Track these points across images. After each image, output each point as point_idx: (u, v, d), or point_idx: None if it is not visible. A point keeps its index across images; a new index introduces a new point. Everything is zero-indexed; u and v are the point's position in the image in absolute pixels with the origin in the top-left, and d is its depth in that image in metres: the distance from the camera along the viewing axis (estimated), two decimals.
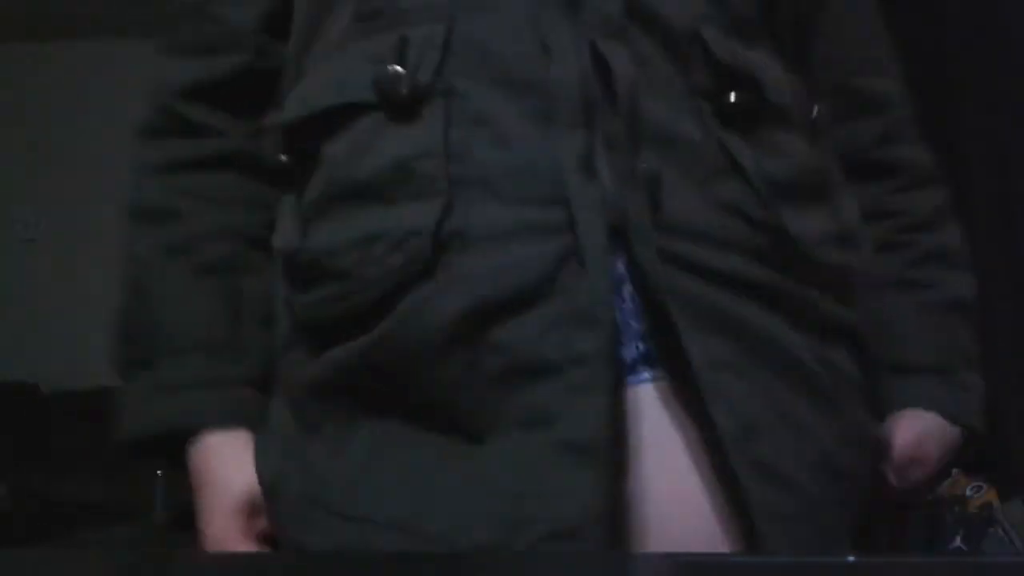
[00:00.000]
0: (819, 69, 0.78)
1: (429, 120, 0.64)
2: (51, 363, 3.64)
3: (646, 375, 0.64)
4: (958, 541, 1.86)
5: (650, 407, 0.64)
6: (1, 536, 2.65)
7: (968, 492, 1.97)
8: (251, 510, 0.73)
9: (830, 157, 0.75)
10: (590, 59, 0.64)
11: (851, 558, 0.76)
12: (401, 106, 0.64)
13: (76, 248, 3.83)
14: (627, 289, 0.64)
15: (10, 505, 2.93)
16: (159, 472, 2.96)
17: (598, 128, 0.64)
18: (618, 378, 0.63)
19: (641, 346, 0.65)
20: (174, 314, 0.77)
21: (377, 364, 0.64)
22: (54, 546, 2.69)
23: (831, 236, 0.70)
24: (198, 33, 0.82)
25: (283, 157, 0.72)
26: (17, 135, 3.89)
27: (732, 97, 0.66)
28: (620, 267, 0.64)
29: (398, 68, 0.64)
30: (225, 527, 0.73)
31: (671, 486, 0.64)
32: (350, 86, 0.66)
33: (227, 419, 0.74)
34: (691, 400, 0.64)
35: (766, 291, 0.66)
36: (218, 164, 0.81)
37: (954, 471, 2.10)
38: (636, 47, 0.65)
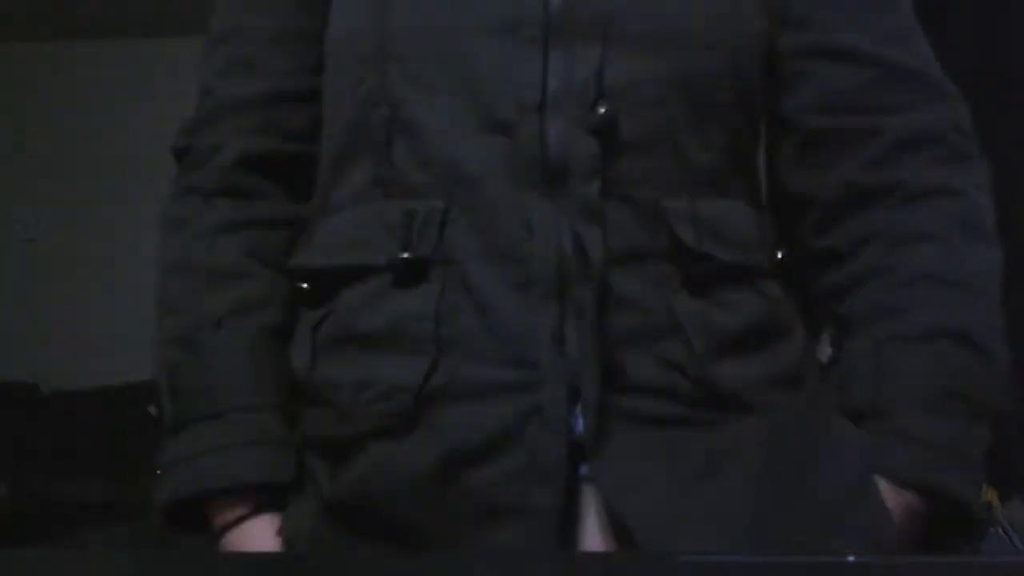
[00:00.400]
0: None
1: (425, 287, 0.75)
2: (51, 363, 3.64)
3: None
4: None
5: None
6: (1, 536, 2.65)
7: None
8: None
9: (789, 296, 0.83)
10: (569, 237, 0.73)
11: (851, 558, 0.75)
12: (405, 272, 0.75)
13: (76, 248, 3.84)
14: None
15: (10, 505, 2.93)
16: (159, 472, 2.95)
17: (571, 297, 0.73)
18: (565, 524, 0.74)
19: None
20: (225, 373, 0.82)
21: (363, 499, 0.74)
22: (54, 546, 2.68)
23: (771, 380, 0.78)
24: (260, 118, 0.89)
25: (305, 286, 0.83)
26: (17, 135, 3.89)
27: (692, 266, 0.76)
28: (579, 421, 0.73)
29: (397, 252, 0.76)
30: None
31: None
32: (364, 251, 0.78)
33: (268, 477, 0.80)
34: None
35: (700, 429, 0.75)
36: (270, 227, 0.87)
37: None
38: (610, 221, 0.74)
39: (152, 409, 3.28)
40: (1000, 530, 1.87)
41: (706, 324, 0.76)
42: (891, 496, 0.79)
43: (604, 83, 0.76)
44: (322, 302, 0.81)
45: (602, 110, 0.74)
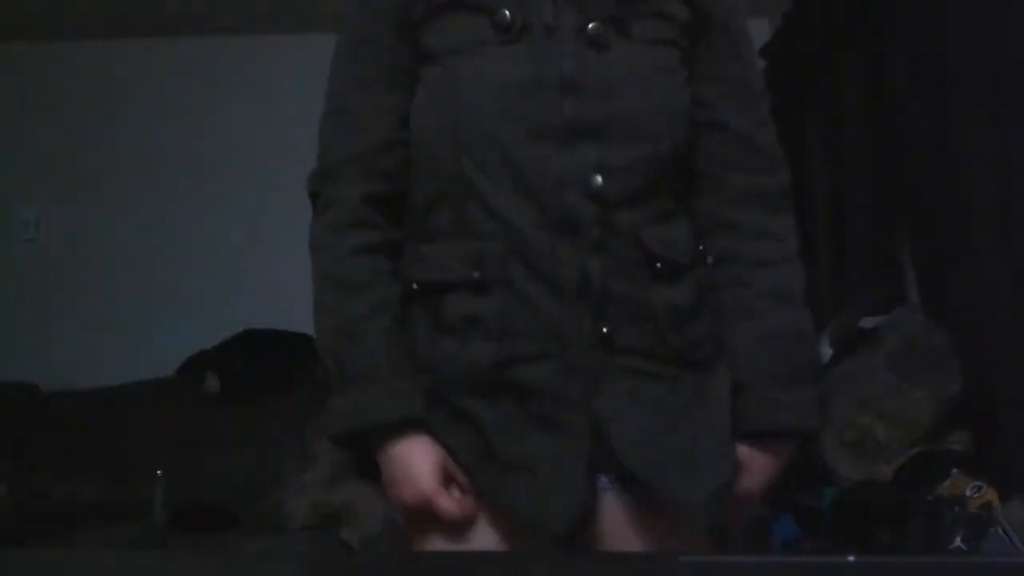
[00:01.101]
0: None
1: (491, 299, 1.22)
2: (51, 363, 3.64)
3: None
4: (958, 541, 1.87)
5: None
6: (1, 536, 2.65)
7: (968, 492, 1.97)
8: (440, 473, 1.22)
9: (705, 278, 1.31)
10: (582, 266, 1.21)
11: (851, 558, 0.76)
12: (478, 289, 1.23)
13: (76, 248, 3.84)
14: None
15: (10, 505, 2.93)
16: (159, 472, 2.96)
17: (585, 300, 1.21)
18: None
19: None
20: (375, 352, 1.25)
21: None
22: (54, 546, 2.69)
23: (709, 337, 1.29)
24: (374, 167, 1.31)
25: (415, 286, 1.28)
26: (17, 135, 3.89)
27: (658, 267, 1.25)
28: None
29: (475, 274, 1.22)
30: (423, 488, 1.21)
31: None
32: (450, 272, 1.24)
33: (415, 414, 1.23)
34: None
35: (669, 371, 1.25)
36: (384, 247, 1.29)
37: (954, 471, 2.10)
38: (608, 249, 1.22)
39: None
40: (1000, 530, 1.87)
41: (669, 305, 1.25)
42: (746, 452, 1.28)
43: (599, 166, 1.22)
44: (431, 301, 1.26)
45: (599, 182, 1.22)
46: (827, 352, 2.66)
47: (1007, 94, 2.14)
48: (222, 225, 3.81)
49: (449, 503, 1.20)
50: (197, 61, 3.86)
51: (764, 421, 1.27)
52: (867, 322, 2.62)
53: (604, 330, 1.21)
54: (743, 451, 1.27)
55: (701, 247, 1.31)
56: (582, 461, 1.19)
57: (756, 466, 1.28)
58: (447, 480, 1.22)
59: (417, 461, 1.22)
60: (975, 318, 2.29)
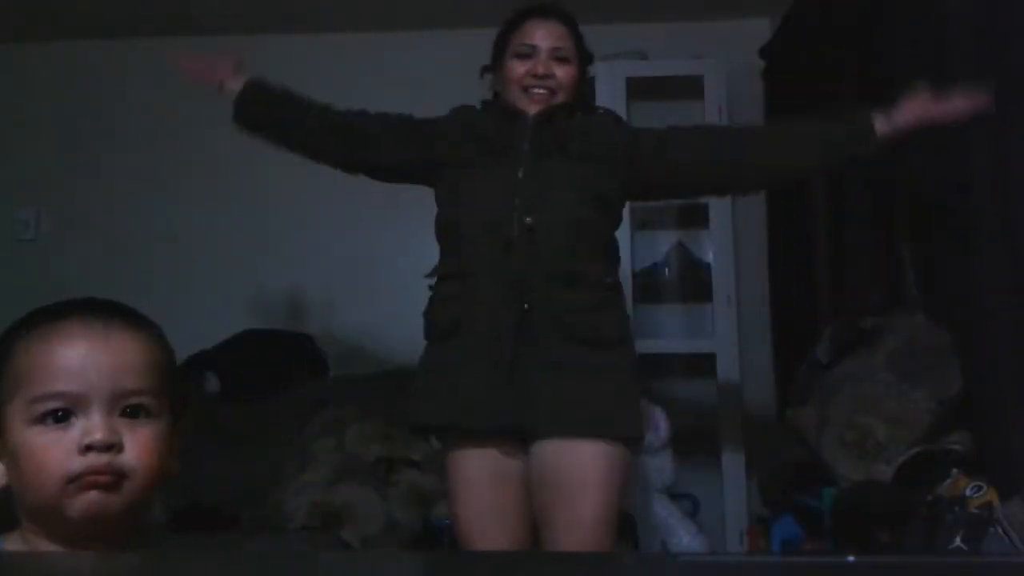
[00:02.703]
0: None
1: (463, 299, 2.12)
2: None
3: None
4: (958, 541, 1.87)
5: None
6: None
7: (968, 492, 1.97)
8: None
9: (616, 295, 2.16)
10: (521, 288, 2.07)
11: (851, 558, 0.76)
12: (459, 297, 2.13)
13: (76, 248, 3.84)
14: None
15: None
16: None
17: (522, 307, 2.06)
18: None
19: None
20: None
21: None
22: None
23: (616, 328, 2.12)
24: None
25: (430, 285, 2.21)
26: (17, 135, 3.89)
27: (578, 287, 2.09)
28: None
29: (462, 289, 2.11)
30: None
31: None
32: (447, 286, 2.17)
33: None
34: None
35: (584, 348, 2.06)
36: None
37: (954, 471, 2.10)
38: (541, 277, 2.07)
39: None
40: (1000, 530, 1.87)
41: (579, 307, 2.06)
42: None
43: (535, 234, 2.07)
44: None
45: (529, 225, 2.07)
46: (827, 352, 2.66)
47: (1007, 94, 2.14)
48: (222, 225, 3.81)
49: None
50: None
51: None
52: (867, 322, 2.62)
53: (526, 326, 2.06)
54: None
55: (609, 273, 2.15)
56: None
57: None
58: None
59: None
60: (975, 318, 2.29)
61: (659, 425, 3.15)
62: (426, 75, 3.63)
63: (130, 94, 3.87)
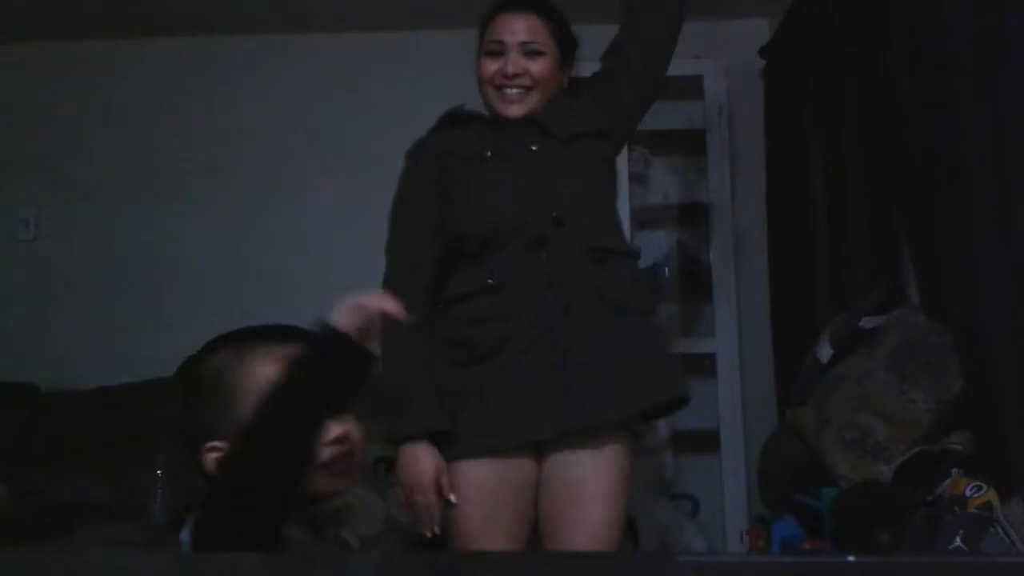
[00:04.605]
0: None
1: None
2: (51, 363, 3.64)
3: None
4: (958, 541, 1.86)
5: None
6: (1, 536, 2.65)
7: (968, 492, 1.97)
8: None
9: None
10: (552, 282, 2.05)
11: (851, 558, 0.76)
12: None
13: (76, 248, 3.84)
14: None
15: (10, 505, 2.93)
16: (159, 472, 2.95)
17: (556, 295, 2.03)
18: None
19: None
20: (414, 389, 2.02)
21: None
22: (54, 546, 2.69)
23: (646, 295, 2.14)
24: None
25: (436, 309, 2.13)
26: (17, 135, 3.89)
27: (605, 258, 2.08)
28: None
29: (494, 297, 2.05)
30: (426, 483, 1.94)
31: None
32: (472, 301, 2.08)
33: (439, 427, 2.00)
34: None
35: (631, 319, 2.06)
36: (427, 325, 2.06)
37: (954, 471, 2.10)
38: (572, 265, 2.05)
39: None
40: (1000, 530, 1.86)
41: (616, 282, 2.05)
42: None
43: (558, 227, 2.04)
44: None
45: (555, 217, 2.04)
46: (827, 352, 2.66)
47: (1007, 94, 2.14)
48: (222, 225, 3.81)
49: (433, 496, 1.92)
50: (197, 61, 3.86)
51: None
52: (867, 322, 2.62)
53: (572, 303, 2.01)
54: None
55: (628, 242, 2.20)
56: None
57: None
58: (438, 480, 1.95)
59: (423, 458, 1.97)
60: (975, 318, 2.28)
61: (659, 425, 3.15)
62: (425, 75, 3.63)
63: (130, 94, 3.87)
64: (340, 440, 1.26)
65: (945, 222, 2.42)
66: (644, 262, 3.76)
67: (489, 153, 2.08)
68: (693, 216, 3.75)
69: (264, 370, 1.22)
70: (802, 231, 3.33)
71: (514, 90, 2.08)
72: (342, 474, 1.29)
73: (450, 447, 1.98)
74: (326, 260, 3.71)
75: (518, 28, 2.08)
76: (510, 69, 2.07)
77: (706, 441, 3.51)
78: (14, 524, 2.80)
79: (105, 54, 3.89)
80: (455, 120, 2.19)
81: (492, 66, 2.09)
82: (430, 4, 3.64)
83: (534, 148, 2.08)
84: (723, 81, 3.57)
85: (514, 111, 2.08)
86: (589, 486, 1.96)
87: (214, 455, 1.23)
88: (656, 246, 3.81)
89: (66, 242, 3.85)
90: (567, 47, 2.15)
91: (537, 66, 2.08)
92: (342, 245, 3.73)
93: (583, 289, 2.00)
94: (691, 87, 3.58)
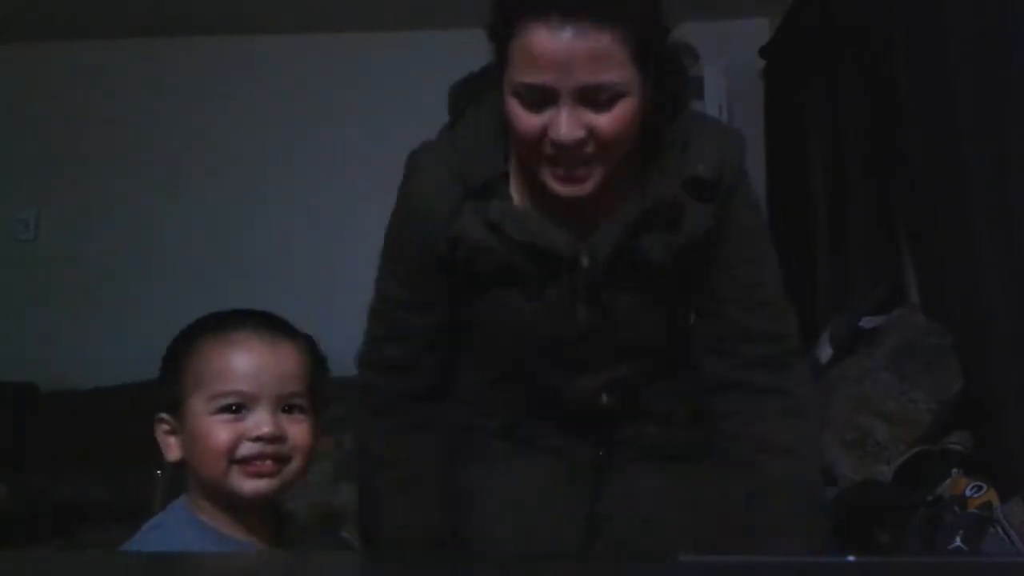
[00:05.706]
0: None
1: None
2: (51, 363, 3.64)
3: None
4: (958, 541, 1.86)
5: None
6: (1, 536, 2.65)
7: (968, 492, 1.97)
8: None
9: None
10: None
11: (851, 558, 0.76)
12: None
13: (76, 248, 3.84)
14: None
15: (10, 505, 2.93)
16: (159, 472, 2.95)
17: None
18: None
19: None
20: (395, 519, 1.50)
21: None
22: (54, 546, 2.68)
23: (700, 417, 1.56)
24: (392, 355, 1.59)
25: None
26: (16, 134, 3.89)
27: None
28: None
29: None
30: None
31: None
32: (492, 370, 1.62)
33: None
34: None
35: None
36: (416, 430, 1.54)
37: (954, 471, 2.10)
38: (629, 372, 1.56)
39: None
40: (1000, 530, 1.86)
41: (674, 391, 1.60)
42: None
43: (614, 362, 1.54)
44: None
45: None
46: (827, 352, 2.66)
47: (1007, 94, 2.14)
48: (221, 225, 3.81)
49: None
50: (197, 61, 3.86)
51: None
52: (867, 322, 2.61)
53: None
54: None
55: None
56: None
57: None
58: None
59: None
60: (975, 318, 2.28)
61: None
62: (426, 75, 3.63)
63: (130, 94, 3.86)
64: (269, 439, 1.20)
65: (945, 222, 2.42)
66: None
67: (532, 272, 1.48)
68: None
69: (209, 353, 1.26)
70: (802, 231, 3.33)
71: (568, 187, 1.31)
72: (259, 476, 1.21)
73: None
74: (327, 260, 3.71)
75: (573, 59, 1.21)
76: (564, 137, 1.25)
77: None
78: (14, 524, 2.80)
79: (105, 54, 3.89)
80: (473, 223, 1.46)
81: (528, 121, 1.27)
82: (430, 4, 3.64)
83: (601, 280, 1.47)
84: (723, 81, 3.57)
85: (574, 191, 1.32)
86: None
87: (163, 427, 1.27)
88: None
89: (66, 242, 3.85)
90: (660, 65, 1.39)
91: (609, 122, 1.26)
92: (345, 243, 3.73)
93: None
94: (691, 87, 3.57)
